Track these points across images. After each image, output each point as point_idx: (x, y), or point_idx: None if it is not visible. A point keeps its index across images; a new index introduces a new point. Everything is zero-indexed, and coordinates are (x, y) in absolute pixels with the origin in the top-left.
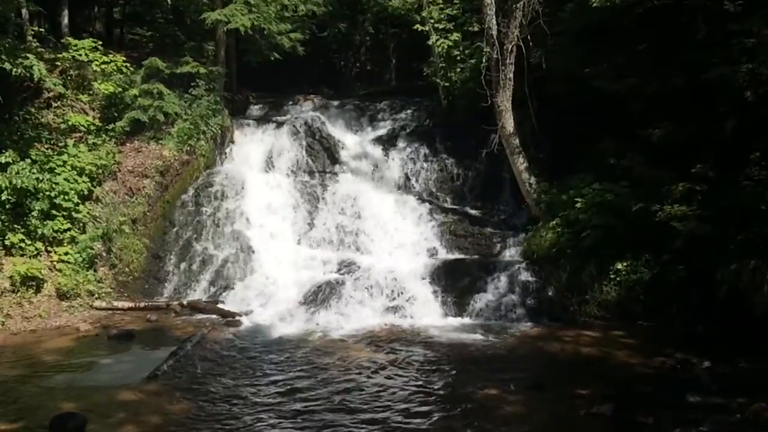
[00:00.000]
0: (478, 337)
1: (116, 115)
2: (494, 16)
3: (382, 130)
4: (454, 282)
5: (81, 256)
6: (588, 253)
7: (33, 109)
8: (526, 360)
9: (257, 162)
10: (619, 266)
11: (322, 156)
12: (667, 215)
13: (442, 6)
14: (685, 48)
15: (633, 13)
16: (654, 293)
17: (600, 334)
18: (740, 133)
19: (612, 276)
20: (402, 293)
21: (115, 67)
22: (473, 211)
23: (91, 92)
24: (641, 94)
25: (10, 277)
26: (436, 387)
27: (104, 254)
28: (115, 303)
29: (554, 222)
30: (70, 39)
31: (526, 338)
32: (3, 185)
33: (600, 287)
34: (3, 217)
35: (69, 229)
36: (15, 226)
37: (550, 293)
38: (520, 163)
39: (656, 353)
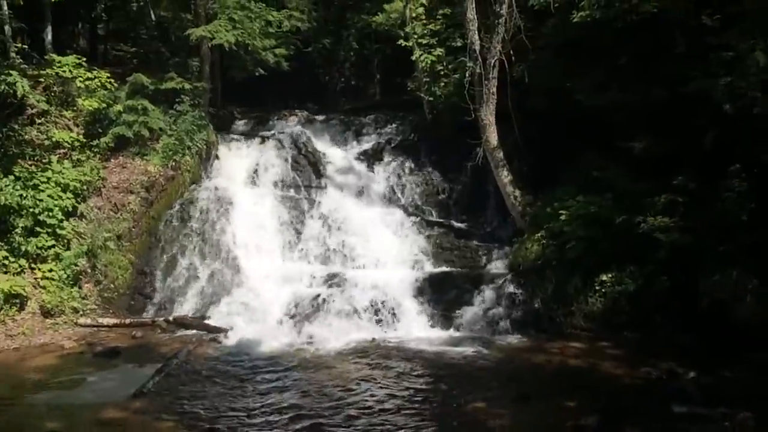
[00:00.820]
0: (465, 349)
1: (101, 131)
2: (477, 32)
3: (368, 145)
4: (441, 295)
5: (65, 272)
6: (573, 265)
7: (16, 126)
8: (512, 372)
9: (243, 177)
10: (604, 278)
11: (308, 170)
12: (650, 227)
13: (425, 22)
14: (665, 62)
15: (613, 28)
16: (639, 304)
17: (586, 345)
18: (720, 145)
19: (597, 287)
20: (389, 307)
21: (99, 83)
22: (459, 224)
23: (75, 108)
24: (622, 107)
25: None
26: (423, 401)
27: (89, 271)
28: (101, 320)
29: (539, 234)
30: (54, 55)
31: (512, 350)
32: None
33: (585, 299)
34: None
35: (53, 246)
36: None
37: (536, 305)
38: (505, 176)
39: (642, 364)
